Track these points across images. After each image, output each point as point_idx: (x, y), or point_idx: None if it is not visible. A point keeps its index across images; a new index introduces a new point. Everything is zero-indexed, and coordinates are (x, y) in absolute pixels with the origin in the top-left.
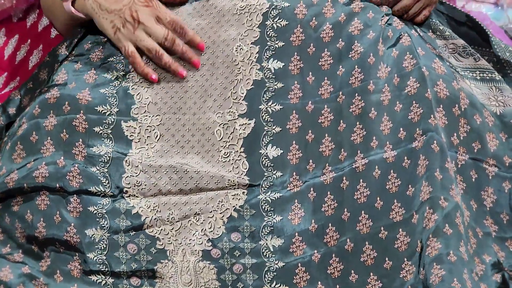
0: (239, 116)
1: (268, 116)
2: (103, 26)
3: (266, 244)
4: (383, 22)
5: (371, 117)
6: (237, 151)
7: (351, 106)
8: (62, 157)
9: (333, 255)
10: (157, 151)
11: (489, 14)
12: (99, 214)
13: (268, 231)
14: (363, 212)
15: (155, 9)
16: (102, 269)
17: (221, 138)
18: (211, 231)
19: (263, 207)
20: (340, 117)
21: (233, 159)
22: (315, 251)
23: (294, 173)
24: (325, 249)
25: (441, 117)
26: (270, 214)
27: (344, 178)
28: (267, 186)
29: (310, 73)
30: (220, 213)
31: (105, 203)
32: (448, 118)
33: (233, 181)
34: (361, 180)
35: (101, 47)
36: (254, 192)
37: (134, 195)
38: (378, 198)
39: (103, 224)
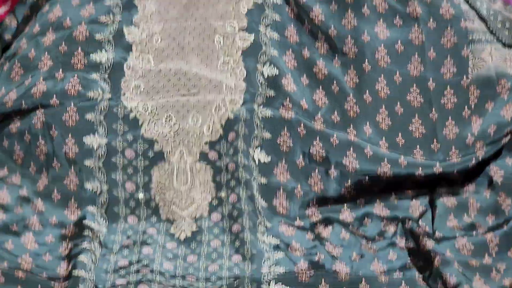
0: (240, 29)
1: (267, 40)
2: None
3: (254, 156)
4: None
5: (365, 100)
6: (236, 60)
7: (345, 76)
8: (60, 70)
9: (314, 201)
10: (157, 56)
11: None
12: (97, 121)
13: (257, 144)
14: (349, 181)
15: None
16: (98, 177)
17: (221, 47)
18: (209, 134)
19: (255, 121)
20: (335, 79)
21: (231, 67)
22: (298, 186)
23: (288, 99)
24: (308, 190)
25: None
26: (260, 129)
27: (335, 137)
28: (260, 102)
29: (305, 21)
30: (218, 116)
31: (102, 109)
32: None
33: (231, 86)
34: (351, 148)
35: None
36: (250, 100)
37: (132, 98)
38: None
39: (101, 131)
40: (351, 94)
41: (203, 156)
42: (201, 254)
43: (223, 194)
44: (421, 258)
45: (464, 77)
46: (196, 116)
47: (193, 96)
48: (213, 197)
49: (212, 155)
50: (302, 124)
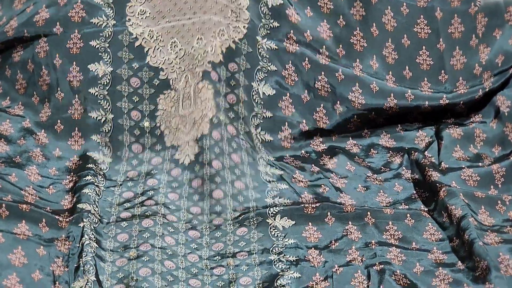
0: None
1: None
2: None
3: (257, 89)
4: None
5: (372, 33)
6: None
7: (351, 8)
8: None
9: (318, 134)
10: None
11: None
12: (102, 49)
13: (261, 77)
14: (355, 116)
15: None
16: (103, 105)
17: None
18: (213, 54)
19: (260, 51)
20: (340, 11)
21: None
22: (304, 121)
23: (292, 31)
24: (313, 124)
25: None
26: (265, 61)
27: (341, 72)
28: (264, 34)
29: None
30: (220, 41)
31: (107, 35)
32: None
33: (236, 12)
34: (357, 84)
35: None
36: (253, 31)
37: (137, 23)
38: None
39: (106, 58)
40: (357, 28)
41: (206, 75)
42: (204, 176)
43: (221, 117)
44: (427, 190)
45: (472, 4)
46: (201, 38)
47: (198, 18)
48: (213, 114)
49: (214, 75)
50: (306, 58)
